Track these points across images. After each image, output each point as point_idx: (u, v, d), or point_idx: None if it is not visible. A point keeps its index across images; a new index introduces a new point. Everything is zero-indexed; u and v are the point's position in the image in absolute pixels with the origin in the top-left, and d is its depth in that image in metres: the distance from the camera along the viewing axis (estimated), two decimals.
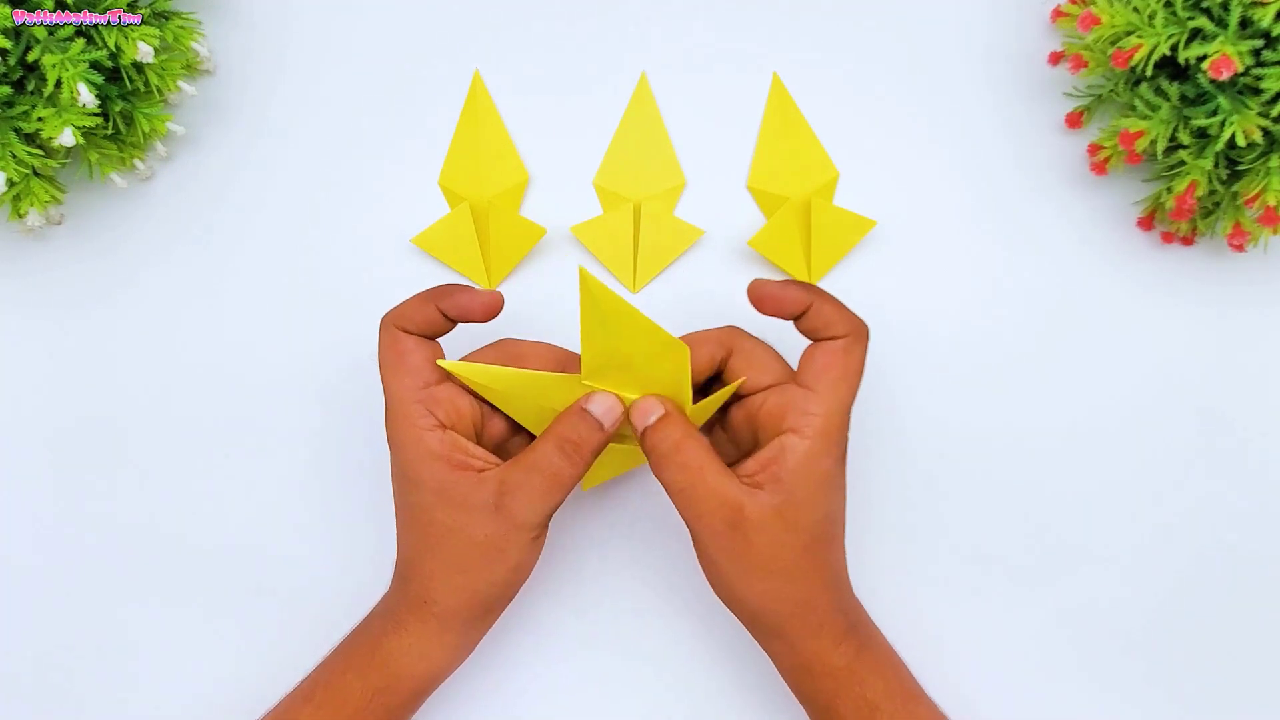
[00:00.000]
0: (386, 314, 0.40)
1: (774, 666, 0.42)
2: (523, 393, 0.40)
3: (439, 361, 0.39)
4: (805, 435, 0.37)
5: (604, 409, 0.39)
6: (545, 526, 0.40)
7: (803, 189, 0.49)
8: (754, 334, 0.40)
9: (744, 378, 0.39)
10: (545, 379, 0.39)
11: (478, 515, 0.38)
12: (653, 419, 0.38)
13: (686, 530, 0.39)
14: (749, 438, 0.40)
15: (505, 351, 0.40)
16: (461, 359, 0.40)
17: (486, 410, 0.41)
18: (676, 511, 0.38)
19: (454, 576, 0.39)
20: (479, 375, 0.39)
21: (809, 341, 0.39)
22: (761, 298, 0.39)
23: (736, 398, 0.41)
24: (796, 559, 0.38)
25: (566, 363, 0.41)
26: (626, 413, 0.39)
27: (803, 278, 0.49)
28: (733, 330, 0.41)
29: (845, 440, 0.39)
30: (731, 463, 0.38)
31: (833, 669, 0.39)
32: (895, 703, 0.39)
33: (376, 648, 0.40)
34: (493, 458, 0.39)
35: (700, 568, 0.40)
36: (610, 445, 0.40)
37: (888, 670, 0.40)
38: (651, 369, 0.38)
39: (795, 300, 0.39)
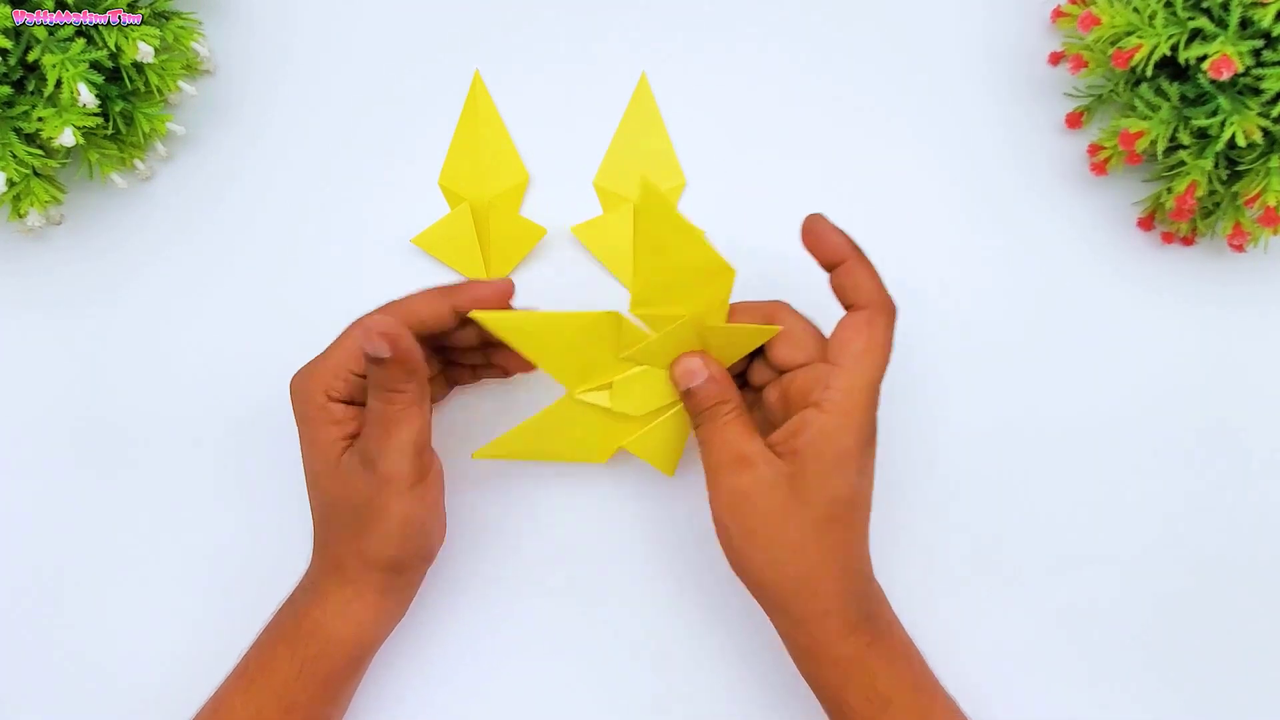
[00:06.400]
0: (397, 302, 0.40)
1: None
2: (560, 340, 0.39)
3: (473, 314, 0.38)
4: (824, 410, 0.37)
5: (374, 347, 0.37)
6: (415, 474, 0.39)
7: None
8: (800, 312, 0.40)
9: (780, 327, 0.40)
10: (583, 319, 0.39)
11: (354, 479, 0.39)
12: (696, 382, 0.40)
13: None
14: (784, 417, 0.40)
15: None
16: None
17: None
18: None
19: (352, 541, 0.39)
20: (513, 321, 0.38)
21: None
22: (808, 230, 0.39)
23: (772, 375, 0.41)
24: (804, 535, 0.37)
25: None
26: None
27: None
28: (779, 305, 0.41)
29: (870, 421, 0.38)
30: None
31: (838, 658, 0.38)
32: (909, 696, 0.38)
33: (303, 617, 0.40)
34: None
35: (716, 540, 0.40)
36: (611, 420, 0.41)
37: (902, 663, 0.39)
38: (698, 288, 0.38)
39: (834, 246, 0.38)
